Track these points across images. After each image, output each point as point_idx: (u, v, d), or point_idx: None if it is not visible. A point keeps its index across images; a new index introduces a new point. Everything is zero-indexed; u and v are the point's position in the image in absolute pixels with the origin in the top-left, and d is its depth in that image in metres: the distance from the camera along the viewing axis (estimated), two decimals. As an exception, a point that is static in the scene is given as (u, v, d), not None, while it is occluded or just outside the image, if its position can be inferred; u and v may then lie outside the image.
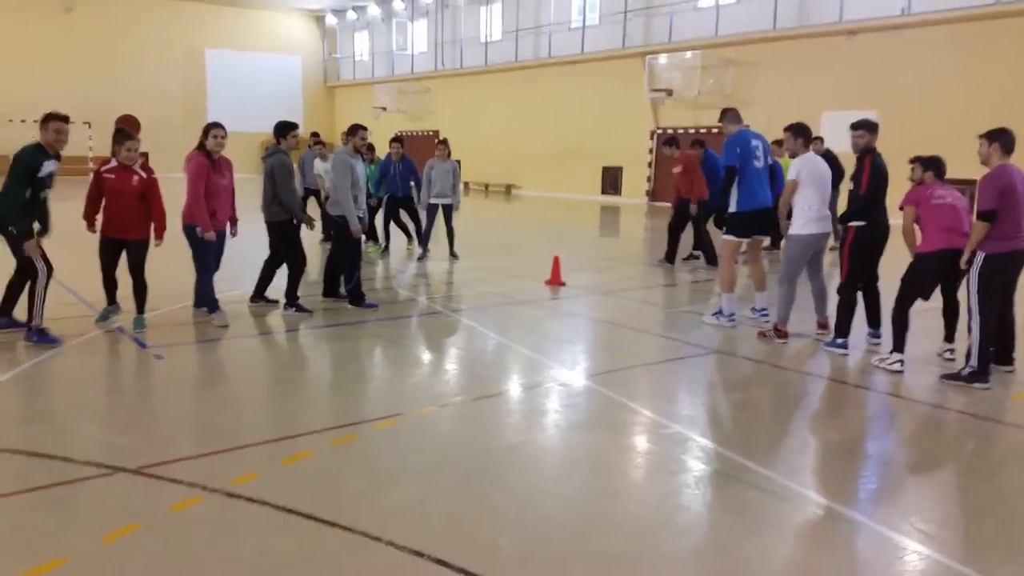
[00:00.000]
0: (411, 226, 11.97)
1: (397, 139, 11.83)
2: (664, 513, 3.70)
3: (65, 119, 6.23)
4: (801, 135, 6.94)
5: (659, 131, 25.01)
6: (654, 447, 4.56)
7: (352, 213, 7.58)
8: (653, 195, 25.22)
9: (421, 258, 11.46)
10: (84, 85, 33.56)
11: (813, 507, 3.76)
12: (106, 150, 6.83)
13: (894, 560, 3.30)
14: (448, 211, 11.39)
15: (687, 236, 11.57)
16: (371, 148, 11.03)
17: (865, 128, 6.53)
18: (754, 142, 7.39)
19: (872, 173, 6.34)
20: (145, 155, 6.92)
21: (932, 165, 6.33)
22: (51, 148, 6.14)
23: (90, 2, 31.52)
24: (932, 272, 6.05)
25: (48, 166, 6.14)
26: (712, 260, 11.03)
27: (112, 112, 31.48)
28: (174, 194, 7.23)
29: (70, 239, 7.34)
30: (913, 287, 6.07)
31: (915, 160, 6.50)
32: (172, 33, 36.37)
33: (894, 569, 3.25)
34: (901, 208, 6.24)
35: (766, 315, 7.53)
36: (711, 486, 4.02)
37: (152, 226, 6.66)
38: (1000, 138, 5.61)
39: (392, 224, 12.09)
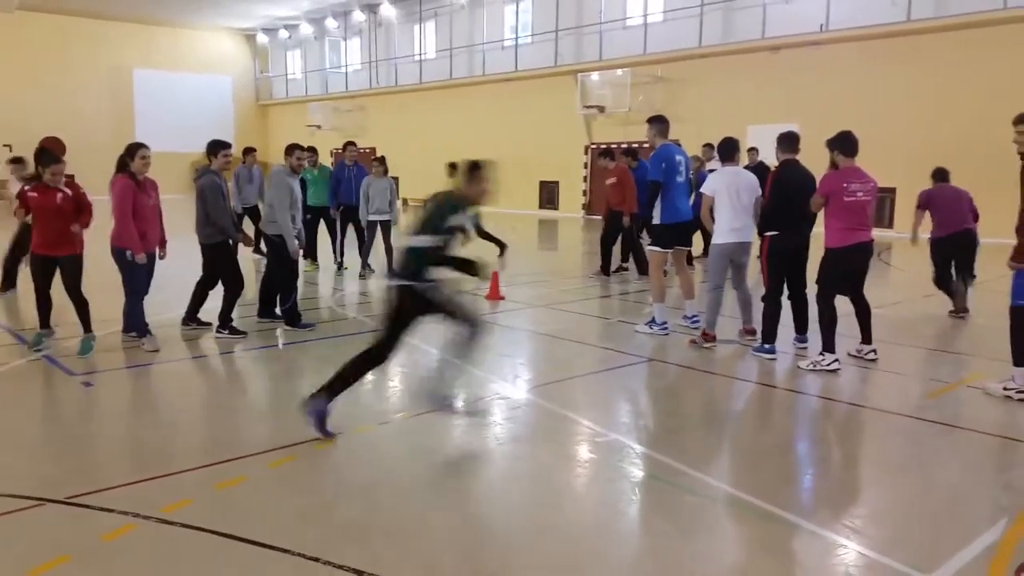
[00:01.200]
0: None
1: (351, 143, 12.13)
2: (603, 520, 3.76)
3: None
4: (718, 149, 7.33)
5: (593, 146, 25.43)
6: (593, 456, 4.63)
7: (290, 232, 7.52)
8: (589, 208, 25.59)
9: (362, 276, 11.39)
10: (6, 106, 32.38)
11: (746, 509, 3.87)
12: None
13: (825, 557, 3.43)
14: (387, 228, 11.37)
15: (620, 247, 11.82)
16: (313, 150, 11.28)
17: (778, 141, 6.81)
18: (678, 157, 7.65)
19: (773, 185, 6.63)
20: (71, 177, 6.79)
21: (837, 143, 6.37)
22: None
23: (12, 20, 30.44)
24: (843, 266, 6.34)
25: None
26: (644, 271, 11.32)
27: (36, 134, 30.42)
28: (101, 217, 7.05)
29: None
30: (828, 283, 6.37)
31: (828, 143, 6.51)
32: (99, 53, 35.40)
33: (825, 564, 3.37)
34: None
35: (697, 322, 7.74)
36: (648, 492, 4.10)
37: (78, 241, 6.64)
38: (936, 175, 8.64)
39: (338, 239, 12.02)
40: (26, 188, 6.56)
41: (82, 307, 6.60)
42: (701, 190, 7.17)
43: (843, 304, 6.58)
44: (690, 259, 10.12)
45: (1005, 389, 5.60)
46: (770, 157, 8.75)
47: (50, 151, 6.65)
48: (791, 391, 5.99)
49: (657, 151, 7.64)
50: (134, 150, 6.76)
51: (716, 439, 5.04)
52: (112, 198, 6.69)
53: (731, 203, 6.95)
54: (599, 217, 13.52)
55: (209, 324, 7.59)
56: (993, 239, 16.67)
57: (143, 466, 4.30)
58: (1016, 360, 5.55)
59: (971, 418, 5.27)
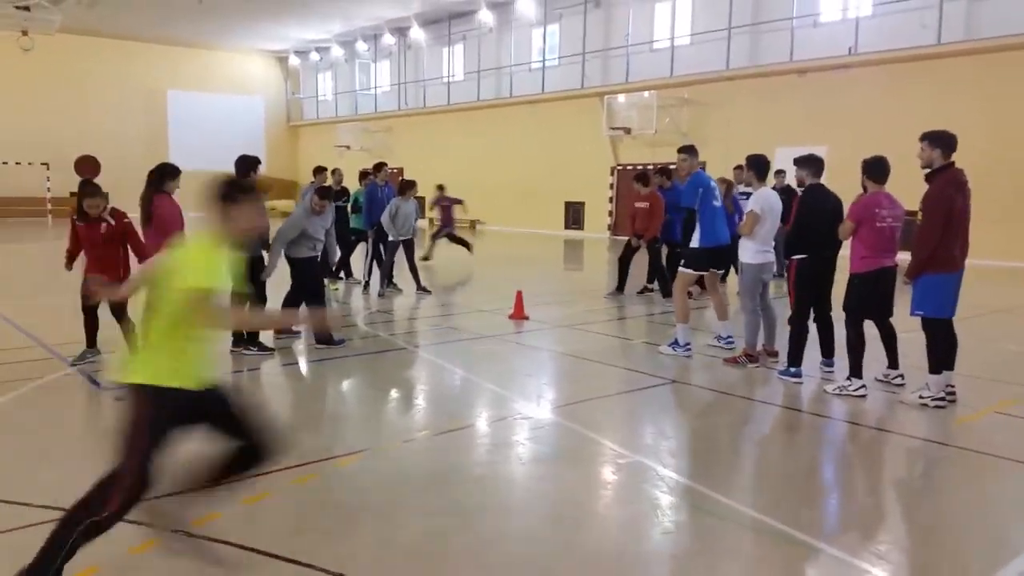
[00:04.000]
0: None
1: (383, 164, 12.47)
2: (625, 542, 3.76)
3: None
4: (754, 167, 7.25)
5: (619, 167, 25.48)
6: (615, 477, 4.63)
7: (275, 261, 7.72)
8: (615, 229, 25.60)
9: (381, 295, 11.50)
10: (43, 126, 33.21)
11: (771, 533, 3.84)
12: (64, 191, 6.89)
13: (846, 581, 3.40)
14: (411, 247, 11.54)
15: (642, 268, 11.87)
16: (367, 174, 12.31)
17: (798, 163, 6.82)
18: (712, 183, 7.72)
19: (798, 209, 6.60)
20: (105, 196, 6.89)
21: (867, 168, 6.27)
22: None
23: (49, 43, 31.20)
24: (868, 291, 6.28)
25: None
26: (668, 292, 11.33)
27: (71, 153, 31.03)
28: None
29: (26, 282, 7.24)
30: (856, 308, 6.30)
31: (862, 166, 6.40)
32: (133, 74, 36.23)
33: (846, 590, 3.34)
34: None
35: (731, 343, 7.73)
36: (671, 514, 4.09)
37: (124, 266, 6.72)
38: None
39: (369, 259, 12.17)
40: (74, 217, 6.72)
41: (128, 329, 6.68)
42: (752, 208, 7.02)
43: (869, 328, 6.53)
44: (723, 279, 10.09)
45: (921, 398, 5.92)
46: (790, 180, 8.72)
47: (89, 185, 6.71)
48: (817, 415, 5.95)
49: (693, 178, 7.74)
50: (176, 173, 6.98)
51: (741, 462, 5.01)
52: (156, 217, 6.78)
53: (768, 223, 7.02)
54: (625, 238, 13.46)
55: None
56: (1020, 263, 16.38)
57: (171, 479, 4.36)
58: (931, 368, 5.90)
59: (1000, 445, 5.18)
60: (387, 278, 11.63)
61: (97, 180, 7.01)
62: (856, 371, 6.21)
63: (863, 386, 6.19)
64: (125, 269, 6.72)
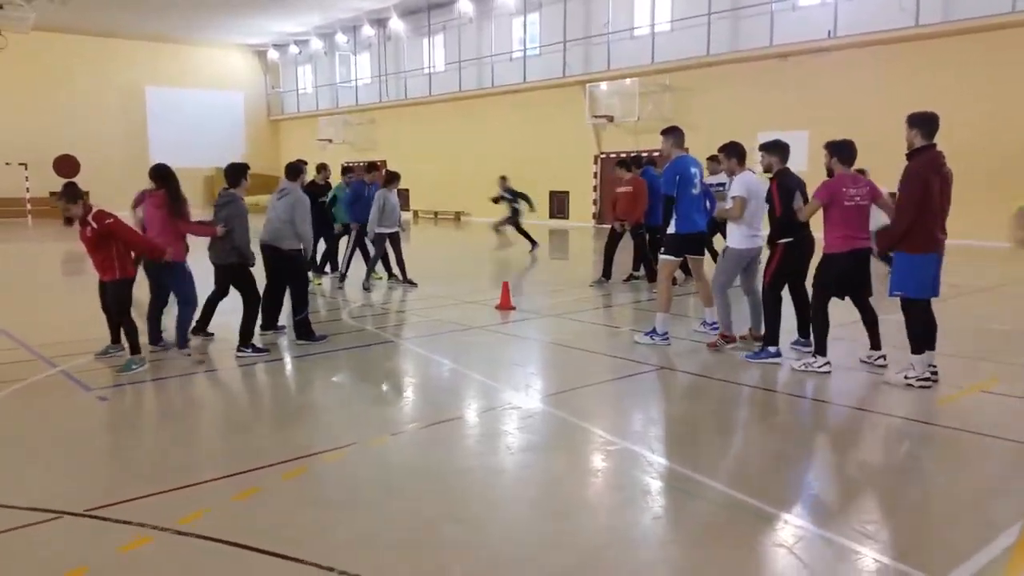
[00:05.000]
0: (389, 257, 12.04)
1: (375, 165, 12.65)
2: (614, 529, 3.77)
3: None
4: (735, 154, 7.23)
5: (602, 155, 25.50)
6: (604, 464, 4.64)
7: (310, 243, 7.93)
8: (599, 218, 25.63)
9: (367, 288, 11.46)
10: (20, 126, 32.83)
11: (759, 515, 3.86)
12: (44, 191, 6.84)
13: (839, 563, 3.42)
14: (397, 240, 11.51)
15: (627, 256, 11.88)
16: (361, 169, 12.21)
17: (765, 149, 6.82)
18: (692, 169, 7.64)
19: (780, 193, 6.63)
20: (86, 193, 6.83)
21: (836, 150, 6.40)
22: None
23: (24, 40, 30.81)
24: (838, 271, 6.34)
25: None
26: (654, 278, 11.39)
27: (50, 152, 30.79)
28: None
29: (6, 283, 7.17)
30: (824, 287, 6.38)
31: (825, 146, 6.57)
32: (111, 71, 35.85)
33: (839, 570, 3.35)
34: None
35: (717, 328, 7.77)
36: (659, 499, 4.11)
37: (119, 266, 6.60)
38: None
39: (349, 253, 12.12)
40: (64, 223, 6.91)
41: (126, 330, 6.64)
42: (737, 194, 7.00)
43: (851, 313, 6.58)
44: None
45: (905, 378, 5.95)
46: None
47: (64, 189, 6.56)
48: (802, 397, 5.98)
49: (672, 163, 7.60)
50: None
51: (727, 446, 5.03)
52: (190, 217, 7.08)
53: (754, 208, 7.03)
54: (609, 226, 13.50)
55: (212, 335, 7.71)
56: (1001, 243, 16.53)
57: (159, 479, 4.34)
58: (913, 348, 5.94)
59: (984, 423, 5.23)
60: (372, 271, 11.61)
61: (77, 178, 6.99)
62: (821, 349, 6.31)
63: (827, 363, 6.28)
64: (123, 268, 6.61)
